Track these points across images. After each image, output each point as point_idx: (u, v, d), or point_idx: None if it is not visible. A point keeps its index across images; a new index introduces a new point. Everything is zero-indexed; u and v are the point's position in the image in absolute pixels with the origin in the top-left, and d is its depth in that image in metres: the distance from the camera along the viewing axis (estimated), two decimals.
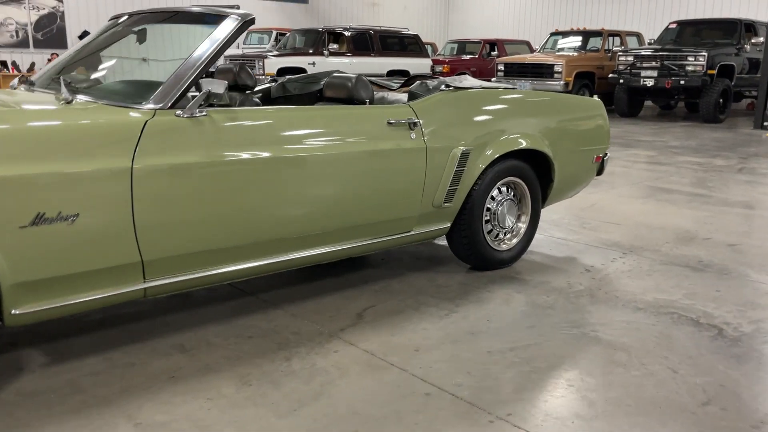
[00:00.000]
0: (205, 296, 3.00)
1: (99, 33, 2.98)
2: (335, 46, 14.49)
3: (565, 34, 14.63)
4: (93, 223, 2.07)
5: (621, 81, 12.49)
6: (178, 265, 2.32)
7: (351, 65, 14.79)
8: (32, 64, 13.94)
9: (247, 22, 2.50)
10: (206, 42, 2.42)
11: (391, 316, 2.83)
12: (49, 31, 14.81)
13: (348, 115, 2.74)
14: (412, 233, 3.09)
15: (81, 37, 15.10)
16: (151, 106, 2.24)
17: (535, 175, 3.53)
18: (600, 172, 3.98)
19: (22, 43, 14.40)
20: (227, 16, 2.51)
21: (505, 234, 3.52)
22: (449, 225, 3.25)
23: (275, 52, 14.35)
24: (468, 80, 3.48)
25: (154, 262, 2.25)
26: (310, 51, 14.35)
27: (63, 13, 14.88)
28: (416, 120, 2.94)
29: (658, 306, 3.01)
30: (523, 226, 3.58)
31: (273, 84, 4.04)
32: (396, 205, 2.92)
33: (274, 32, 16.44)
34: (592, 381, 2.30)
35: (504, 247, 3.49)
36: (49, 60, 14.43)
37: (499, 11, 21.82)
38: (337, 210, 2.70)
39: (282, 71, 13.63)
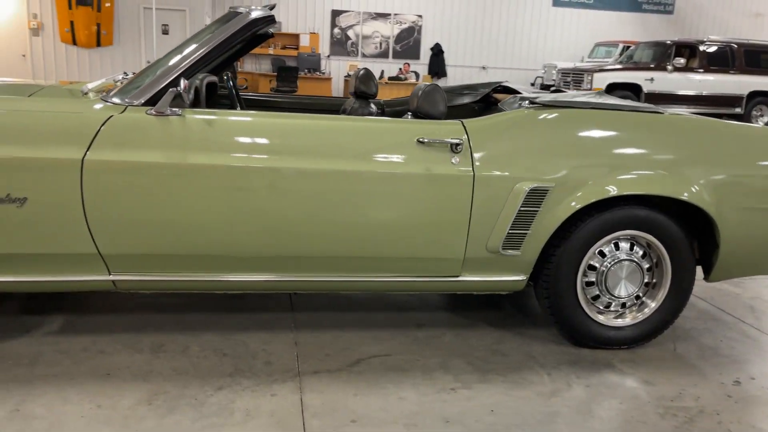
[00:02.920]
0: (256, 301, 2.92)
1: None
2: (682, 61, 12.78)
3: None
4: (41, 208, 2.16)
5: None
6: (140, 264, 2.29)
7: (699, 83, 12.92)
8: (382, 72, 15.56)
9: (256, 21, 2.32)
10: (202, 41, 2.32)
11: (386, 372, 2.35)
12: (407, 43, 16.36)
13: (355, 129, 2.33)
14: (460, 279, 2.50)
15: (433, 50, 16.35)
16: (127, 100, 2.25)
17: (683, 234, 2.53)
18: None
19: (383, 54, 16.21)
20: (237, 14, 2.37)
21: (623, 306, 2.61)
22: (524, 278, 2.54)
23: (617, 66, 13.37)
24: (600, 98, 2.66)
25: (113, 257, 2.27)
26: (652, 66, 12.94)
27: (420, 27, 16.27)
28: (460, 141, 2.35)
29: None
30: (651, 303, 2.60)
31: None
32: (425, 241, 2.40)
33: (620, 45, 15.29)
34: None
35: (612, 322, 2.59)
36: (401, 70, 15.96)
37: None
38: (328, 235, 2.33)
39: (612, 87, 12.60)
